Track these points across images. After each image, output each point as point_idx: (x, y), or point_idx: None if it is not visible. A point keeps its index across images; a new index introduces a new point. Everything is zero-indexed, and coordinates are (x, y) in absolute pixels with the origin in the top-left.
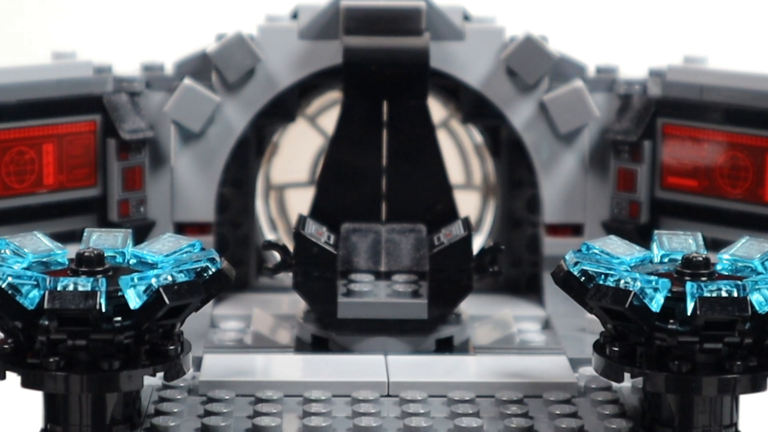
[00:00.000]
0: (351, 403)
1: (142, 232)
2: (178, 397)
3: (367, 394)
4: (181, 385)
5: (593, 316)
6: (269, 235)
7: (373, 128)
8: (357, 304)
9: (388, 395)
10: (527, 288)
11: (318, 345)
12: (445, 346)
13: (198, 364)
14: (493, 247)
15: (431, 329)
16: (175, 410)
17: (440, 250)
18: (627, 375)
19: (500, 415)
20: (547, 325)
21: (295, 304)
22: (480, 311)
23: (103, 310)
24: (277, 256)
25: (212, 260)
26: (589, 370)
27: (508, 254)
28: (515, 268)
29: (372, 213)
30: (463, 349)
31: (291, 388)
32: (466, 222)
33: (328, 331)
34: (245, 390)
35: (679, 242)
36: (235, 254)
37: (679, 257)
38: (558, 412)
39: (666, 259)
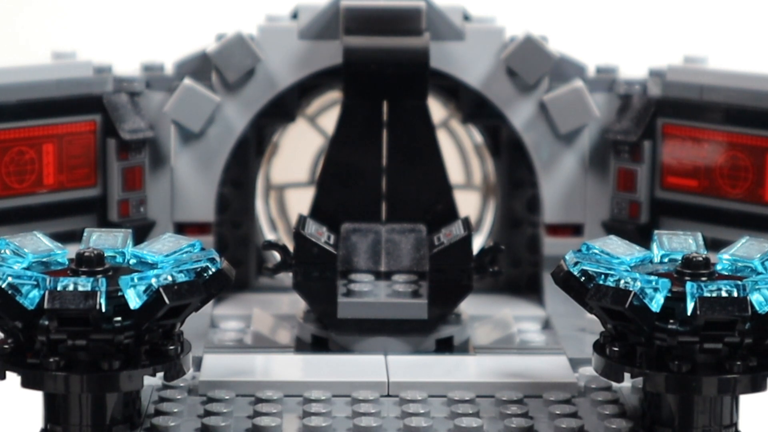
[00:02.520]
0: (351, 403)
1: (142, 232)
2: (178, 397)
3: (367, 394)
4: (181, 385)
5: (593, 316)
6: (269, 235)
7: (373, 128)
8: (357, 304)
9: (388, 395)
10: (527, 288)
11: (318, 345)
12: (445, 346)
13: (198, 364)
14: (493, 247)
15: (431, 329)
16: (175, 410)
17: (440, 250)
18: (627, 375)
19: (500, 415)
20: (547, 325)
21: (295, 304)
22: (480, 311)
23: (103, 310)
24: (277, 256)
25: (212, 260)
26: (589, 370)
27: (508, 254)
28: (515, 268)
29: (372, 213)
30: (463, 349)
31: (291, 388)
32: (466, 222)
33: (328, 331)
34: (245, 390)
35: (679, 242)
36: (235, 254)
37: (679, 257)
38: (558, 412)
39: (666, 259)
